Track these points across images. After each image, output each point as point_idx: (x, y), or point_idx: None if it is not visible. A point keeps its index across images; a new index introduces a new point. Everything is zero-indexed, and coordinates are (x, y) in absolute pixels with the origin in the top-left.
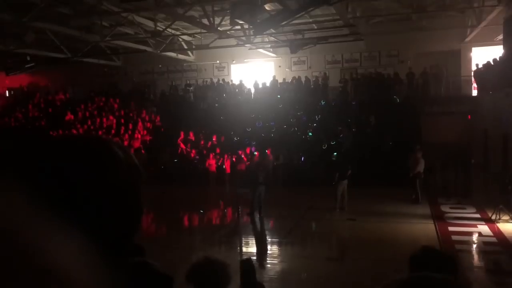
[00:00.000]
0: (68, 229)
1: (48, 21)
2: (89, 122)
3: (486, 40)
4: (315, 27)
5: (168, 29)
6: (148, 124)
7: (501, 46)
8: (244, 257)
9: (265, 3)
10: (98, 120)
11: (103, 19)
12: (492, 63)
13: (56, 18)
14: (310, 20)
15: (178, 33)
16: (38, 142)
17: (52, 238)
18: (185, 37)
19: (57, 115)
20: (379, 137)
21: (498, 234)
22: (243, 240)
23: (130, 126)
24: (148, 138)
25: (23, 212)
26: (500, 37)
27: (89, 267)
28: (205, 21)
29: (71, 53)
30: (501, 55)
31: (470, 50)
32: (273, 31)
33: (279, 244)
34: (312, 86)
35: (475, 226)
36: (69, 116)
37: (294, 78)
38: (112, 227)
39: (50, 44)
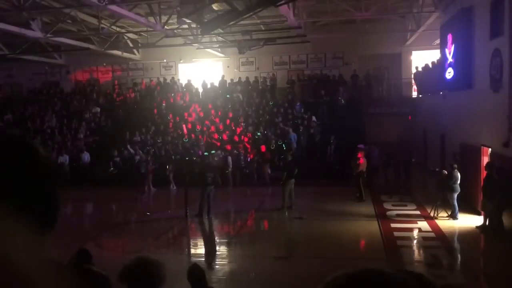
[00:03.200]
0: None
1: None
2: (29, 122)
3: (425, 44)
4: (263, 28)
5: (113, 27)
6: (92, 125)
7: (439, 50)
8: (193, 258)
9: (213, 3)
10: (38, 120)
11: (43, 15)
12: (430, 66)
13: None
14: (258, 21)
15: (123, 31)
16: None
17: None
18: (131, 35)
19: None
20: (325, 137)
21: (436, 229)
22: (192, 241)
23: (73, 126)
24: (92, 139)
25: None
26: (438, 41)
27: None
28: (151, 19)
29: (9, 50)
30: (438, 58)
31: (411, 54)
32: (221, 31)
33: (228, 244)
34: (260, 87)
35: (415, 222)
36: (8, 116)
37: (240, 78)
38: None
39: None
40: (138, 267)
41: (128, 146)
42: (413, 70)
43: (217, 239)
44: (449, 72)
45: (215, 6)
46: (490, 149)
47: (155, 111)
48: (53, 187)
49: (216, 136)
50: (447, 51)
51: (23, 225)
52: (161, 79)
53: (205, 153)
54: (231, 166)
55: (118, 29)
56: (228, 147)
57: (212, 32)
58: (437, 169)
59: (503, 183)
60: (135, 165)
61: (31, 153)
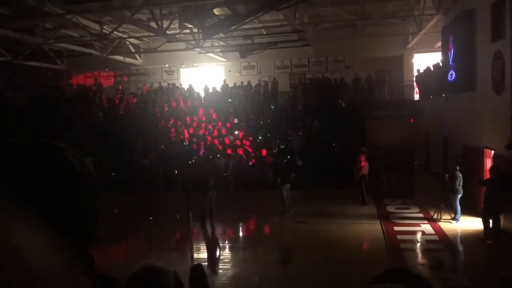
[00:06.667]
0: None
1: None
2: (32, 128)
3: (426, 47)
4: (264, 32)
5: (115, 32)
6: (95, 129)
7: (440, 53)
8: (196, 263)
9: (214, 8)
10: (41, 125)
11: (46, 21)
12: (432, 69)
13: None
14: (259, 25)
15: (125, 36)
16: None
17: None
18: (133, 40)
19: None
20: (326, 140)
21: (439, 232)
22: (194, 246)
23: (75, 131)
24: (94, 144)
25: None
26: (439, 44)
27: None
28: (153, 24)
29: (11, 56)
30: (440, 61)
31: (412, 56)
32: (222, 35)
33: (231, 248)
34: (262, 91)
35: (418, 225)
36: (11, 121)
37: (242, 82)
38: (69, 233)
39: None
40: (144, 276)
41: (129, 150)
42: (415, 73)
43: (220, 243)
44: (451, 75)
45: (216, 11)
46: (493, 151)
47: (158, 115)
48: (91, 206)
49: (216, 142)
50: (448, 53)
51: (57, 241)
52: (163, 84)
53: (210, 157)
54: (230, 170)
55: (120, 34)
56: (229, 151)
57: (214, 37)
58: (439, 173)
59: (499, 185)
60: (139, 169)
61: (68, 169)
